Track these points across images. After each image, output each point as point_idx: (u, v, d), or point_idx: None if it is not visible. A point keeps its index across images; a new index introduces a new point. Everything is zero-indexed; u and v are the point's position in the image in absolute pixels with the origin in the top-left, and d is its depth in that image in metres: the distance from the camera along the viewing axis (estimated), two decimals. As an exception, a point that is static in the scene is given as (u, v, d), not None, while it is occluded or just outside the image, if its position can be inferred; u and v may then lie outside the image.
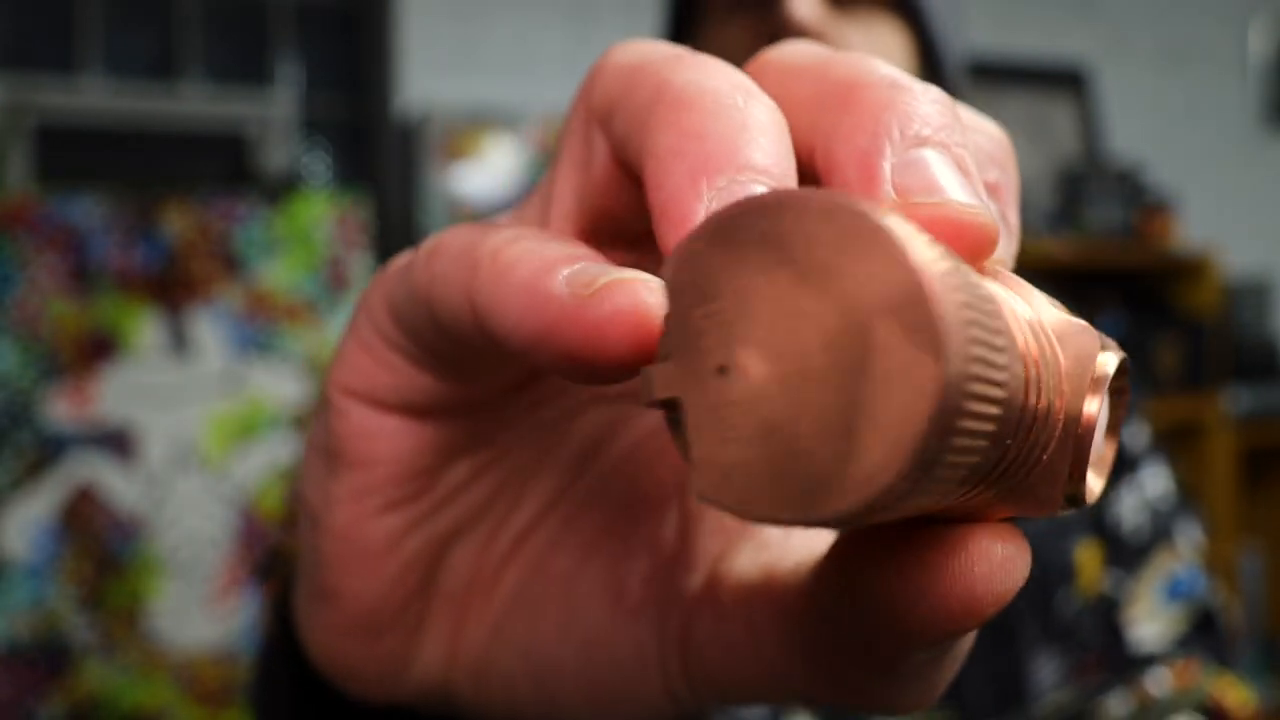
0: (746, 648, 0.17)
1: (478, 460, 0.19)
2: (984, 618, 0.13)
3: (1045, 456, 0.13)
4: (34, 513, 1.55)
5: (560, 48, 1.90)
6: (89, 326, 1.57)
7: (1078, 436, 0.13)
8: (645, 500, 0.20)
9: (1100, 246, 1.96)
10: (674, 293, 0.12)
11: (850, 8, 0.54)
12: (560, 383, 0.19)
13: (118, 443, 1.58)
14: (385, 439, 0.18)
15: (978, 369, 0.11)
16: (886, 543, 0.14)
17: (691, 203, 0.13)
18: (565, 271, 0.14)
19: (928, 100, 0.14)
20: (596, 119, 0.16)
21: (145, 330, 1.58)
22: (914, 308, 0.10)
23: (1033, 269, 1.79)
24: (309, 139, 1.84)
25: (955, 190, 0.13)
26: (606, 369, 0.14)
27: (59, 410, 1.55)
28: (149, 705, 1.57)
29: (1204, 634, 0.59)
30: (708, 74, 0.15)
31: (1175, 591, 0.59)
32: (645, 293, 0.13)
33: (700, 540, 0.19)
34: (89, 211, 1.57)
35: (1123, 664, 0.57)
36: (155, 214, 1.58)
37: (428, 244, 0.17)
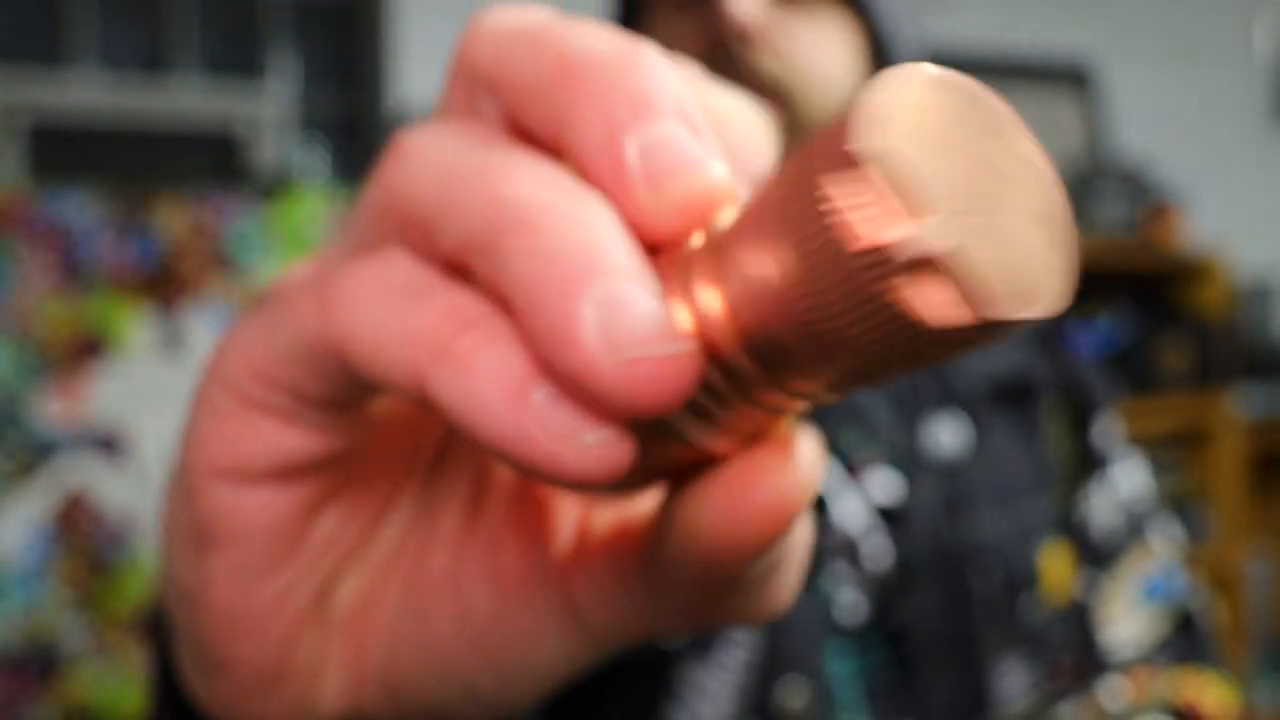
0: (619, 596, 0.18)
1: (346, 502, 0.19)
2: (794, 515, 0.16)
3: None
4: (25, 516, 1.54)
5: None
6: (80, 326, 1.55)
7: None
8: (500, 489, 0.20)
9: (1106, 246, 1.94)
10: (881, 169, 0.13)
11: (796, 1, 0.53)
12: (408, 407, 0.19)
13: (109, 444, 1.56)
14: (256, 512, 0.18)
15: None
16: (700, 479, 0.16)
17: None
18: (537, 398, 0.14)
19: (649, 69, 0.15)
20: (481, 85, 0.17)
21: (137, 329, 1.57)
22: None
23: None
24: (304, 135, 1.83)
25: (700, 163, 0.14)
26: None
27: (50, 411, 1.54)
28: (142, 710, 1.55)
29: (1182, 635, 0.58)
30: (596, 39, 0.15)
31: (1152, 592, 0.58)
32: (617, 453, 0.14)
33: (558, 513, 0.20)
34: (80, 209, 1.55)
35: (1096, 670, 0.56)
36: (147, 211, 1.57)
37: (310, 287, 0.16)
